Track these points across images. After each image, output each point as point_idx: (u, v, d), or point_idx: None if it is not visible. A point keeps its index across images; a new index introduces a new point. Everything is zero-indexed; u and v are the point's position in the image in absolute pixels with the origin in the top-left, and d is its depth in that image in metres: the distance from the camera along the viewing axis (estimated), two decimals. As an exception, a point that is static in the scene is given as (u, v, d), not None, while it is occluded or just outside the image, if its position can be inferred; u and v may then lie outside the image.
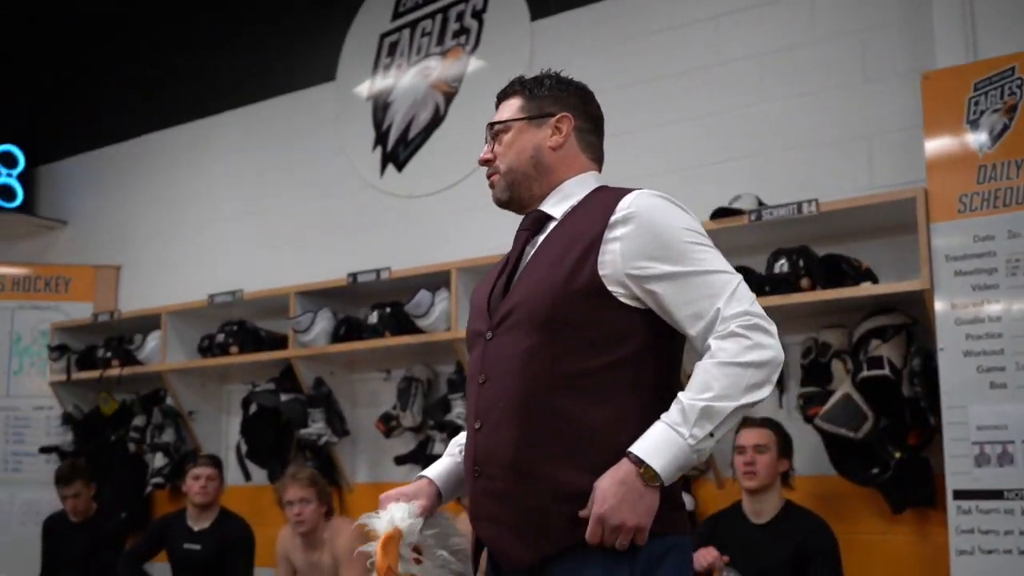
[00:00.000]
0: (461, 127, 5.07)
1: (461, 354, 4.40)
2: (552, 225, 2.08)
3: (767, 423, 3.66)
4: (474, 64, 5.05)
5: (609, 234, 1.95)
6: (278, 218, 5.73)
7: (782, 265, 3.67)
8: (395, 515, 1.95)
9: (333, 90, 5.59)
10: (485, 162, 2.18)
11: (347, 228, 5.42)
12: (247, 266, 5.76)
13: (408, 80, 5.27)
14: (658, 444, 1.81)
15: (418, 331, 4.49)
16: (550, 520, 1.87)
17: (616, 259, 1.93)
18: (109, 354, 5.69)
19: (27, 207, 6.81)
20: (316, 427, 4.86)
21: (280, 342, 5.11)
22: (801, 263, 3.65)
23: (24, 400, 6.10)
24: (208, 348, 5.39)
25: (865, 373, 3.52)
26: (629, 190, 2.04)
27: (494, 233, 4.80)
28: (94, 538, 5.29)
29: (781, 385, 3.90)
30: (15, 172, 6.80)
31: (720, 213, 3.81)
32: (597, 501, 1.81)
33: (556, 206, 2.10)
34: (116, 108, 6.68)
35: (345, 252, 5.32)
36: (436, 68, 5.19)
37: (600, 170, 2.19)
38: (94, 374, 5.74)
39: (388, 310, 4.63)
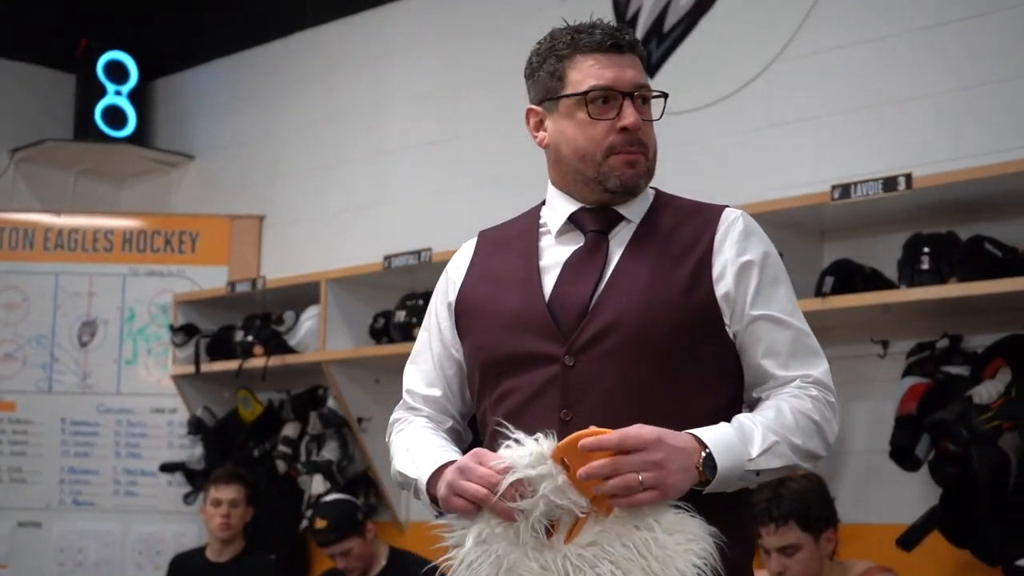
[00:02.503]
0: (740, 14, 5.10)
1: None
2: (627, 228, 2.48)
3: None
4: (760, -81, 5.08)
5: (719, 253, 2.41)
6: (478, 147, 5.91)
7: None
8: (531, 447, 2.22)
9: (556, -37, 5.73)
10: (638, 128, 2.46)
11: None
12: (436, 215, 5.97)
13: (663, -55, 5.35)
14: (729, 447, 2.25)
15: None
16: None
17: (729, 283, 2.39)
18: (250, 338, 6.00)
19: (141, 136, 7.28)
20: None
21: (483, 322, 5.30)
22: None
23: (139, 400, 6.55)
24: (384, 330, 5.61)
25: None
26: (711, 204, 2.50)
27: (788, 162, 4.83)
28: (238, 585, 5.64)
29: None
30: (125, 89, 7.26)
31: None
32: (648, 431, 2.17)
33: (629, 207, 2.50)
34: (257, -2, 7.06)
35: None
36: (704, -73, 5.25)
37: None
38: (231, 365, 6.06)
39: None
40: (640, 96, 2.47)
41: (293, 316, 5.91)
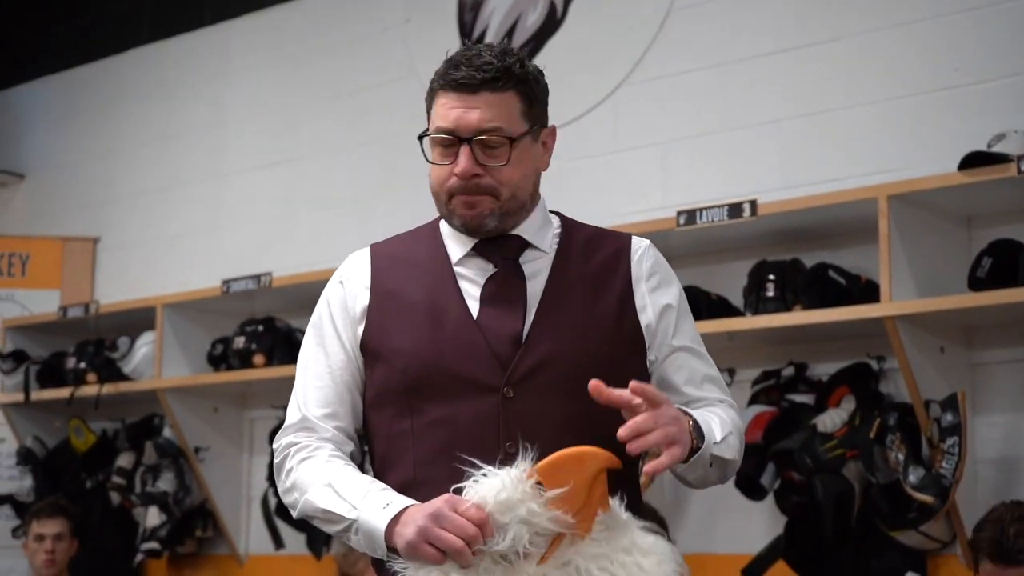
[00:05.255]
0: (586, 37, 5.11)
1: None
2: (543, 259, 2.51)
3: None
4: (606, -59, 5.10)
5: (638, 285, 2.50)
6: (320, 168, 5.87)
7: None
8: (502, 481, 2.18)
9: (400, -18, 5.71)
10: (472, 176, 2.44)
11: (422, 184, 5.48)
12: (277, 239, 5.91)
13: (509, -34, 5.36)
14: (704, 424, 2.34)
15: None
16: None
17: (650, 315, 2.49)
18: (83, 365, 5.90)
19: (-33, 154, 7.10)
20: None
21: (325, 349, 5.25)
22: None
23: (-35, 429, 6.37)
24: (222, 357, 5.55)
25: None
26: (616, 232, 2.62)
27: (635, 187, 4.84)
28: (63, 625, 5.51)
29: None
30: (-49, 104, 7.10)
31: (974, 160, 3.79)
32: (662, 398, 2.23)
33: (536, 234, 2.53)
34: (91, 13, 6.91)
35: (420, 217, 5.39)
36: (550, -52, 5.26)
37: None
38: (62, 393, 5.95)
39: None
40: (482, 141, 2.42)
41: (128, 342, 5.82)
